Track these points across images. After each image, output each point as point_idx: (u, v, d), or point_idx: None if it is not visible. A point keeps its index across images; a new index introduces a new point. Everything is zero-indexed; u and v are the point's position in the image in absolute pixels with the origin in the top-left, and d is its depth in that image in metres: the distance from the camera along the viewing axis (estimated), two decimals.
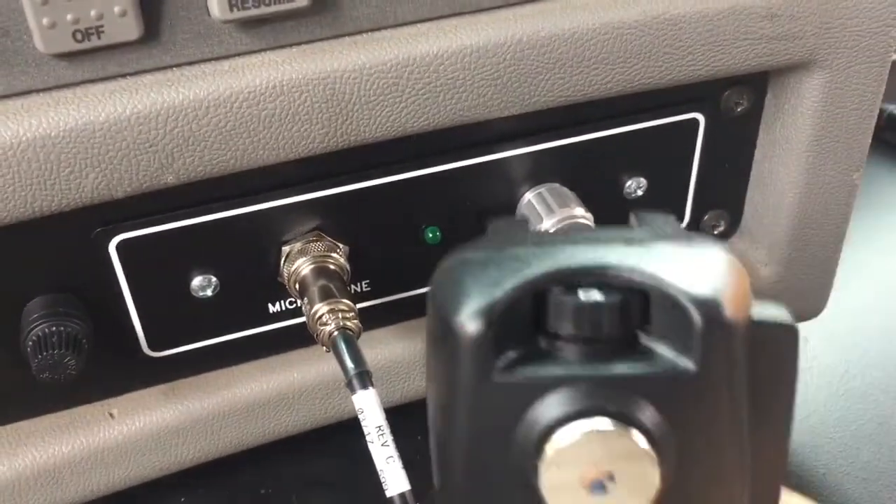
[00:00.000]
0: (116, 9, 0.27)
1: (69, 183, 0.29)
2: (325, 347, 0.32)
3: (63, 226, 0.30)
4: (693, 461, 0.17)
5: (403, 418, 0.32)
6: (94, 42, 0.28)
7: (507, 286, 0.17)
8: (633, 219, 0.20)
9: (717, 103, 0.37)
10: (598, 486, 0.17)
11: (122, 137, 0.29)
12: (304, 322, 0.33)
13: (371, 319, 0.36)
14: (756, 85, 0.37)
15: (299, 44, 0.30)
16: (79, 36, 0.27)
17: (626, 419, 0.16)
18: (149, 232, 0.32)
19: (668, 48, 0.33)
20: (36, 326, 0.31)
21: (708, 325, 0.16)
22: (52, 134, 0.28)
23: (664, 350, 0.17)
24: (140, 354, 0.35)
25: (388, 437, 0.29)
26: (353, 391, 0.30)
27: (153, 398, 0.36)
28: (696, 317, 0.16)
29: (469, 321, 0.17)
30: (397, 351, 0.38)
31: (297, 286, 0.33)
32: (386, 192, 0.34)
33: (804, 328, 0.45)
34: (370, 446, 0.30)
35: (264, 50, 0.30)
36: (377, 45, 0.30)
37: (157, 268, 0.33)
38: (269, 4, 0.29)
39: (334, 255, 0.34)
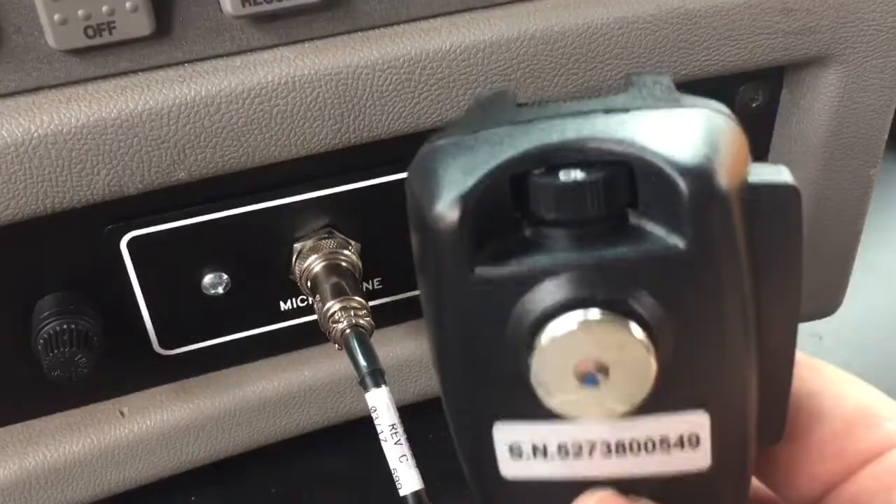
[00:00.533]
0: (128, 4, 0.27)
1: (80, 180, 0.29)
2: (337, 345, 0.32)
3: (74, 223, 0.30)
4: (692, 343, 0.16)
5: (417, 417, 0.32)
6: (106, 38, 0.27)
7: (480, 172, 0.16)
8: (624, 81, 0.19)
9: (732, 99, 0.37)
10: (591, 379, 0.16)
11: (134, 134, 0.28)
12: (315, 320, 0.33)
13: (384, 317, 0.36)
14: (772, 80, 0.37)
15: (311, 39, 0.30)
16: (90, 32, 0.27)
17: (618, 308, 0.15)
18: (160, 229, 0.32)
19: (683, 43, 0.33)
20: (47, 324, 0.31)
21: (697, 196, 0.15)
22: (64, 130, 0.28)
23: (654, 228, 0.16)
24: (151, 352, 0.35)
25: (402, 436, 0.29)
26: (365, 389, 0.30)
27: (164, 396, 0.36)
28: (683, 187, 0.15)
29: (444, 212, 0.16)
30: (410, 349, 0.37)
31: (308, 284, 0.33)
32: (399, 188, 0.34)
33: (819, 326, 0.45)
34: (383, 445, 0.29)
35: (276, 46, 0.30)
36: (390, 41, 0.30)
37: (168, 265, 0.33)
38: (281, 0, 0.28)
39: (346, 252, 0.33)
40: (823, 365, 0.20)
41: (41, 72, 0.28)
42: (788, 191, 0.16)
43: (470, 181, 0.16)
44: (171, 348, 0.35)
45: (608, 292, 0.16)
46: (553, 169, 0.16)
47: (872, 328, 0.48)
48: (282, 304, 0.36)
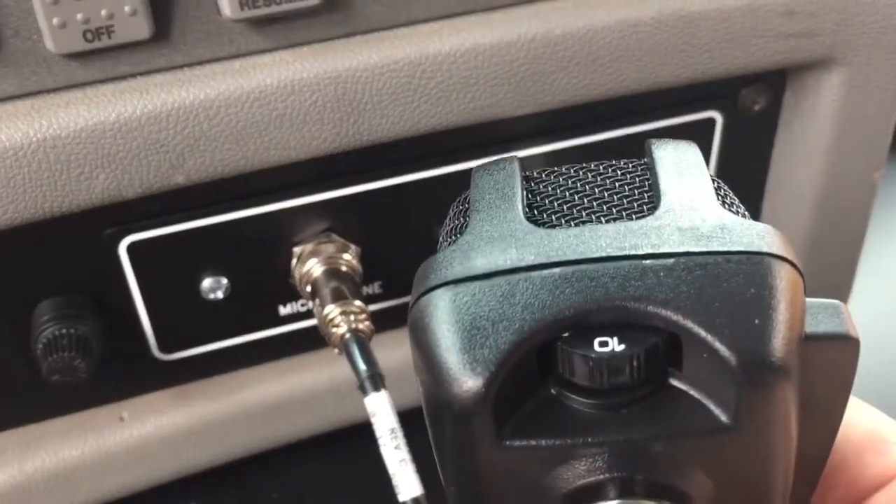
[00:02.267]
0: (127, 8, 0.27)
1: (79, 184, 0.28)
2: (336, 350, 0.31)
3: (73, 227, 0.30)
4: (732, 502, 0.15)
5: (416, 421, 0.32)
6: (105, 42, 0.27)
7: (506, 340, 0.14)
8: (649, 152, 0.16)
9: (734, 102, 0.37)
10: None
11: (133, 138, 0.28)
12: (315, 324, 0.32)
13: (383, 321, 0.35)
14: (774, 83, 0.37)
15: (310, 43, 0.30)
16: (89, 36, 0.27)
17: (657, 491, 0.14)
18: (159, 233, 0.32)
19: (685, 46, 0.33)
20: (46, 328, 0.30)
21: (749, 374, 0.13)
22: (63, 134, 0.28)
23: (699, 396, 0.14)
24: (150, 357, 0.35)
25: (401, 441, 0.29)
26: (365, 394, 0.30)
27: (163, 401, 0.35)
28: (734, 363, 0.13)
29: (468, 384, 0.14)
30: (410, 353, 0.37)
31: (308, 288, 0.33)
32: (398, 192, 0.34)
33: None
34: (382, 450, 0.29)
35: (275, 49, 0.30)
36: (389, 44, 0.30)
37: (168, 269, 0.33)
38: (280, 3, 0.28)
39: (346, 256, 0.33)
40: None
41: (40, 76, 0.28)
42: (847, 342, 0.15)
43: (495, 351, 0.14)
44: (171, 353, 0.35)
45: (648, 472, 0.14)
46: (586, 333, 0.14)
47: (876, 330, 0.48)
48: (281, 308, 0.35)
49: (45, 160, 0.28)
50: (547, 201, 0.16)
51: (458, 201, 0.17)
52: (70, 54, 0.28)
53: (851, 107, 0.36)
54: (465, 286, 0.15)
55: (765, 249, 0.14)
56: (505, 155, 0.18)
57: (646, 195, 0.16)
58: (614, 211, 0.15)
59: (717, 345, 0.14)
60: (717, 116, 0.37)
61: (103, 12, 0.27)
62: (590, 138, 0.35)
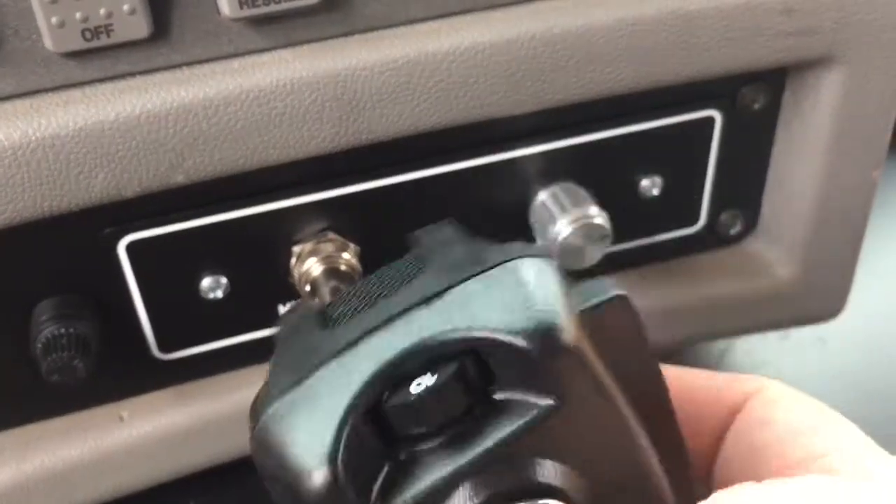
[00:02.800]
0: (125, 7, 0.27)
1: (78, 183, 0.28)
2: None
3: (72, 226, 0.30)
4: (605, 480, 0.16)
5: None
6: (104, 41, 0.27)
7: (330, 426, 0.15)
8: (411, 242, 0.19)
9: (733, 100, 0.37)
10: None
11: (132, 137, 0.28)
12: None
13: None
14: (773, 82, 0.37)
15: (310, 42, 0.30)
16: (88, 35, 0.27)
17: (532, 490, 0.15)
18: (158, 232, 0.32)
19: (684, 44, 0.33)
20: (45, 328, 0.30)
21: (549, 354, 0.15)
22: (62, 133, 0.28)
23: (522, 396, 0.15)
24: (150, 356, 0.35)
25: None
26: None
27: (163, 401, 0.35)
28: (534, 351, 0.15)
29: (316, 480, 0.15)
30: None
31: (308, 287, 0.33)
32: (397, 191, 0.34)
33: (822, 329, 0.45)
34: None
35: (274, 48, 0.30)
36: (388, 43, 0.30)
37: (167, 269, 0.33)
38: (279, 2, 0.28)
39: (346, 255, 0.33)
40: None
41: (39, 75, 0.28)
42: (618, 300, 0.17)
43: (326, 439, 0.15)
44: (170, 352, 0.35)
45: (514, 480, 0.15)
46: (400, 385, 0.15)
47: (876, 331, 0.48)
48: (281, 307, 0.35)
49: (44, 159, 0.28)
50: (341, 308, 0.18)
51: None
52: (69, 53, 0.28)
53: (851, 105, 0.36)
54: (287, 397, 0.16)
55: (513, 255, 0.16)
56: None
57: (416, 266, 0.18)
58: (394, 286, 0.17)
59: (517, 343, 0.15)
60: (717, 115, 0.37)
61: (102, 11, 0.27)
62: (589, 137, 0.35)
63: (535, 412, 0.15)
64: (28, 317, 0.31)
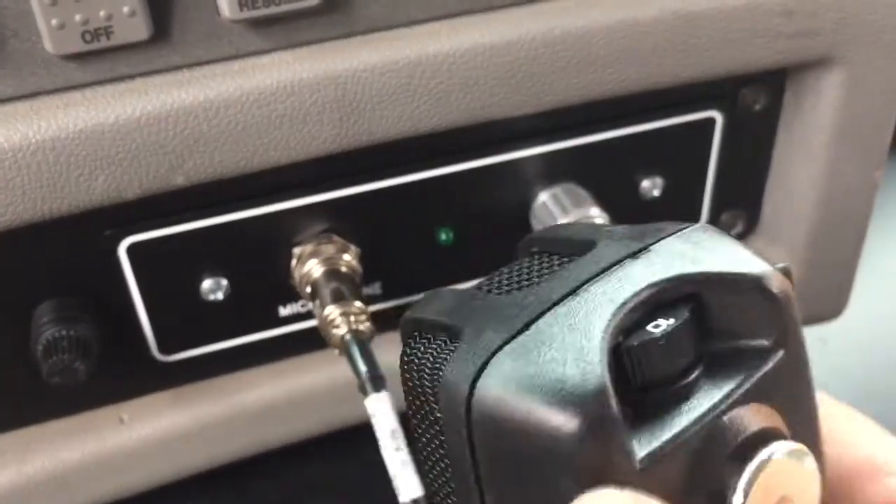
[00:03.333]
0: (125, 9, 0.27)
1: (79, 185, 0.28)
2: (337, 351, 0.31)
3: (73, 228, 0.30)
4: (801, 430, 0.16)
5: None
6: (104, 43, 0.27)
7: (590, 354, 0.14)
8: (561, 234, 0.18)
9: (734, 101, 0.37)
10: None
11: (132, 139, 0.28)
12: (315, 325, 0.32)
13: (384, 322, 0.35)
14: (774, 82, 0.37)
15: (310, 43, 0.30)
16: (88, 37, 0.27)
17: (770, 436, 0.15)
18: (159, 234, 0.32)
19: (684, 46, 0.33)
20: (46, 330, 0.30)
21: (771, 297, 0.15)
22: (62, 136, 0.28)
23: (745, 343, 0.16)
24: (150, 358, 0.35)
25: (402, 442, 0.29)
26: (365, 395, 0.30)
27: (163, 403, 0.35)
28: (773, 292, 0.15)
29: (582, 427, 0.13)
30: None
31: (308, 288, 0.33)
32: (398, 192, 0.34)
33: (823, 330, 0.45)
34: (383, 451, 0.29)
35: (275, 50, 0.30)
36: (389, 44, 0.30)
37: (167, 270, 0.33)
38: (279, 3, 0.28)
39: (346, 256, 0.33)
40: (833, 405, 0.19)
41: (39, 77, 0.28)
42: (785, 270, 0.17)
43: (589, 372, 0.14)
44: (171, 354, 0.35)
45: (756, 424, 0.15)
46: (634, 331, 0.15)
47: (877, 331, 0.48)
48: (281, 309, 0.35)
49: (45, 161, 0.28)
50: (508, 286, 0.17)
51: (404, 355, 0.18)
52: (69, 55, 0.28)
53: (851, 106, 0.36)
54: (507, 350, 0.15)
55: (682, 227, 0.17)
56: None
57: (558, 259, 0.18)
58: (552, 271, 0.17)
59: (743, 280, 0.15)
60: (718, 116, 0.37)
61: (102, 13, 0.27)
62: (590, 138, 0.35)
63: (766, 359, 0.15)
64: (29, 319, 0.31)
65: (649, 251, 0.16)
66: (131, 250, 0.32)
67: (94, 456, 0.34)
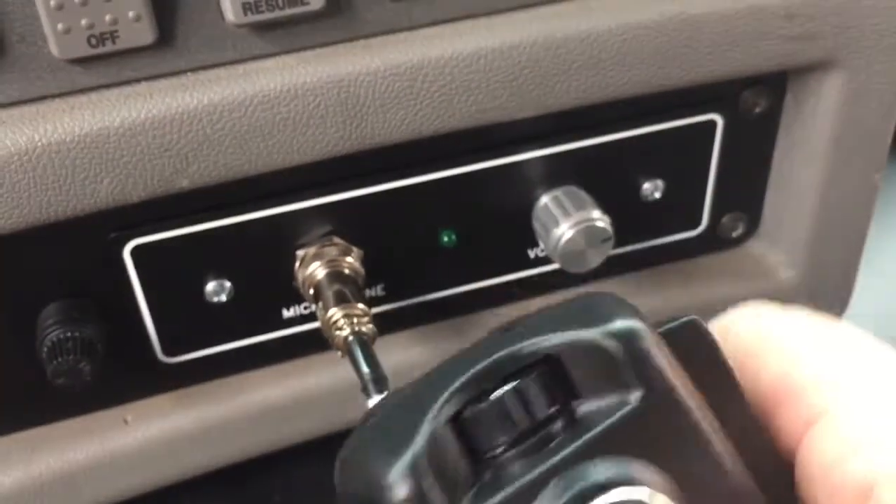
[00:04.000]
0: (131, 14, 0.27)
1: (84, 188, 0.29)
2: (340, 353, 0.32)
3: (78, 231, 0.30)
4: (692, 482, 0.16)
5: None
6: (109, 47, 0.28)
7: (412, 435, 0.15)
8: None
9: (735, 104, 0.37)
10: None
11: (137, 142, 0.29)
12: (318, 327, 0.33)
13: (387, 324, 0.36)
14: (775, 85, 0.37)
15: (313, 47, 0.30)
16: (93, 41, 0.27)
17: (615, 484, 0.15)
18: (163, 237, 0.32)
19: (685, 49, 0.33)
20: (51, 332, 0.31)
21: (630, 350, 0.16)
22: (67, 139, 0.28)
23: (606, 401, 0.16)
24: (154, 360, 0.35)
25: None
26: (368, 396, 0.30)
27: (167, 404, 0.36)
28: (620, 349, 0.15)
29: (397, 489, 0.14)
30: (413, 356, 0.37)
31: (311, 290, 0.33)
32: (401, 195, 0.34)
33: None
34: None
35: (278, 53, 0.30)
36: (391, 48, 0.30)
37: (172, 273, 0.33)
38: (282, 8, 0.28)
39: (349, 258, 0.33)
40: (745, 333, 0.19)
41: (45, 81, 0.28)
42: (690, 325, 0.17)
43: (408, 452, 0.15)
44: (175, 356, 0.35)
45: (600, 476, 0.15)
46: (481, 398, 0.15)
47: (878, 332, 0.48)
48: (284, 311, 0.36)
49: (50, 165, 0.28)
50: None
51: None
52: (74, 59, 0.28)
53: (852, 109, 0.36)
54: (358, 431, 0.16)
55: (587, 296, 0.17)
56: None
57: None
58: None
59: (594, 340, 0.15)
60: (718, 119, 0.37)
61: (107, 18, 0.27)
62: (591, 141, 0.35)
63: (620, 411, 0.16)
64: (34, 320, 0.32)
65: (513, 329, 0.16)
66: (136, 253, 0.32)
67: (99, 457, 0.34)
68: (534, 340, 0.16)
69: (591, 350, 0.16)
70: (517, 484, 0.15)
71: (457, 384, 0.15)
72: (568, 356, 0.16)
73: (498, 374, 0.15)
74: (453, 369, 0.16)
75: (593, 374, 0.16)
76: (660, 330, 0.17)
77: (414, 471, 0.15)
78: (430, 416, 0.15)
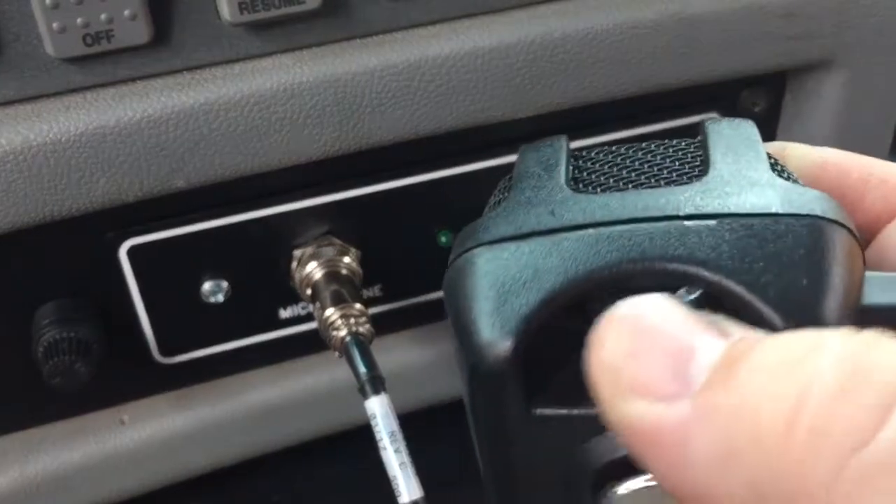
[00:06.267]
0: (126, 12, 0.27)
1: (80, 187, 0.28)
2: (337, 353, 0.31)
3: (73, 231, 0.30)
4: None
5: (417, 424, 0.32)
6: (105, 46, 0.27)
7: (534, 300, 0.13)
8: (702, 130, 0.16)
9: (734, 104, 0.37)
10: None
11: (133, 142, 0.28)
12: (316, 327, 0.32)
13: (384, 324, 0.36)
14: (774, 85, 0.37)
15: (310, 46, 0.30)
16: (89, 40, 0.27)
17: None
18: (159, 237, 0.32)
19: (684, 48, 0.33)
20: (47, 332, 0.30)
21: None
22: (63, 139, 0.28)
23: None
24: (151, 360, 0.35)
25: (401, 444, 0.29)
26: (365, 397, 0.30)
27: (164, 404, 0.35)
28: (779, 323, 0.13)
29: (494, 346, 0.13)
30: (411, 356, 0.37)
31: (308, 291, 0.33)
32: (398, 195, 0.34)
33: None
34: (382, 453, 0.29)
35: (275, 53, 0.30)
36: (388, 47, 0.30)
37: (168, 273, 0.33)
38: (279, 7, 0.28)
39: (346, 259, 0.33)
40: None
41: (40, 80, 0.28)
42: None
43: (524, 311, 0.13)
44: (171, 356, 0.35)
45: None
46: (621, 295, 0.13)
47: None
48: (281, 311, 0.35)
49: (46, 164, 0.28)
50: (592, 175, 0.16)
51: (504, 179, 0.17)
52: (70, 58, 0.28)
53: (851, 108, 0.36)
54: (499, 247, 0.14)
55: (818, 213, 0.13)
56: (553, 136, 0.17)
57: (696, 167, 0.15)
58: (661, 179, 0.15)
59: (761, 305, 0.13)
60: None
61: (103, 17, 0.27)
62: (589, 141, 0.35)
63: None
64: (30, 321, 0.31)
65: (707, 222, 0.13)
66: (132, 252, 0.32)
67: (95, 458, 0.34)
68: (702, 259, 0.13)
69: (756, 317, 0.13)
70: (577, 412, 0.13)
71: (605, 272, 0.13)
72: (731, 306, 0.13)
73: (647, 280, 0.13)
74: (605, 237, 0.13)
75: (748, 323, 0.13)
76: (865, 304, 0.14)
77: (517, 337, 0.13)
78: (559, 287, 0.13)
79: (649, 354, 0.12)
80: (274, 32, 0.29)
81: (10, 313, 0.32)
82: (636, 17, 0.32)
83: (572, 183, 0.16)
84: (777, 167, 0.16)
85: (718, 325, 0.12)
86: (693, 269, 0.13)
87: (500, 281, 0.14)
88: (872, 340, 0.11)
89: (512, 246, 0.14)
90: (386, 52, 0.30)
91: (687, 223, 0.13)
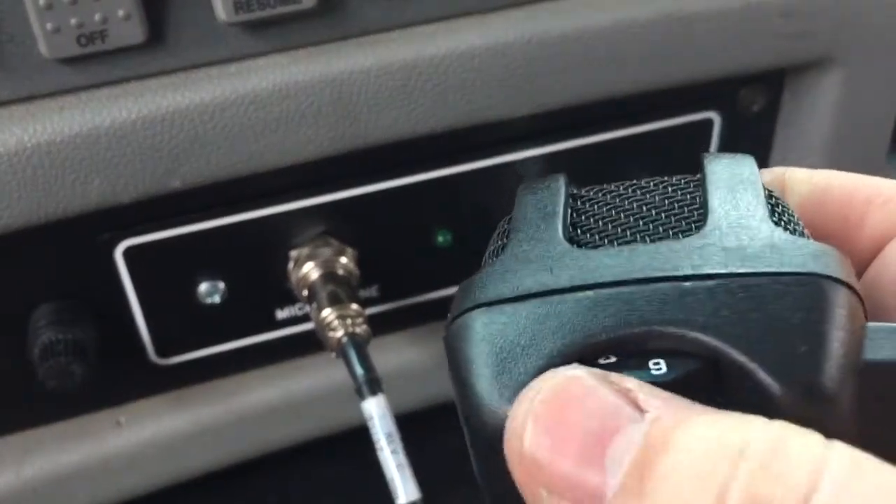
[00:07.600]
0: (121, 12, 0.27)
1: (74, 189, 0.28)
2: (334, 354, 0.31)
3: (69, 232, 0.30)
4: None
5: (414, 425, 0.32)
6: (99, 46, 0.27)
7: (534, 366, 0.13)
8: (701, 167, 0.16)
9: (732, 102, 0.36)
10: None
11: (128, 142, 0.28)
12: (312, 328, 0.32)
13: (381, 325, 0.35)
14: (772, 83, 0.37)
15: (306, 45, 0.30)
16: (83, 40, 0.27)
17: None
18: (155, 238, 0.32)
19: (682, 47, 0.33)
20: (42, 334, 0.30)
21: (796, 408, 0.13)
22: (57, 139, 0.28)
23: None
24: (147, 362, 0.35)
25: (399, 445, 0.29)
26: (362, 398, 0.30)
27: (161, 406, 0.35)
28: (780, 397, 0.12)
29: (495, 411, 0.14)
30: (408, 357, 0.37)
31: (305, 291, 0.33)
32: (395, 195, 0.34)
33: None
34: (379, 454, 0.29)
35: (270, 52, 0.30)
36: (385, 47, 0.30)
37: (164, 274, 0.33)
38: (274, 6, 0.28)
39: (343, 259, 0.33)
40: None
41: (34, 80, 0.28)
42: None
43: (524, 378, 0.13)
44: (168, 357, 0.35)
45: None
46: (624, 360, 0.13)
47: None
48: (278, 312, 0.35)
49: (40, 165, 0.28)
50: (591, 220, 0.16)
51: (503, 221, 0.17)
52: (64, 59, 0.28)
53: (850, 106, 0.36)
54: (497, 309, 0.14)
55: (817, 271, 0.13)
56: (551, 175, 0.17)
57: (694, 212, 0.15)
58: (659, 229, 0.15)
59: (759, 373, 0.13)
60: (716, 117, 0.37)
61: (97, 17, 0.27)
62: (587, 140, 0.35)
63: None
64: (26, 322, 0.31)
65: (709, 285, 0.13)
66: (128, 254, 0.32)
67: (92, 459, 0.34)
68: (702, 326, 0.13)
69: (755, 383, 0.13)
70: None
71: (603, 336, 0.13)
72: (729, 370, 0.13)
73: (649, 346, 0.13)
74: (605, 301, 0.13)
75: (747, 398, 0.13)
76: (867, 359, 0.13)
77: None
78: (558, 352, 0.14)
79: (565, 446, 0.13)
80: (269, 32, 0.29)
81: (5, 315, 0.31)
82: (633, 15, 0.32)
83: (570, 229, 0.16)
84: (777, 210, 0.16)
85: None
86: (692, 335, 0.13)
87: (498, 346, 0.14)
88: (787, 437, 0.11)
89: (509, 308, 0.14)
90: (382, 51, 0.30)
91: (685, 284, 0.13)
